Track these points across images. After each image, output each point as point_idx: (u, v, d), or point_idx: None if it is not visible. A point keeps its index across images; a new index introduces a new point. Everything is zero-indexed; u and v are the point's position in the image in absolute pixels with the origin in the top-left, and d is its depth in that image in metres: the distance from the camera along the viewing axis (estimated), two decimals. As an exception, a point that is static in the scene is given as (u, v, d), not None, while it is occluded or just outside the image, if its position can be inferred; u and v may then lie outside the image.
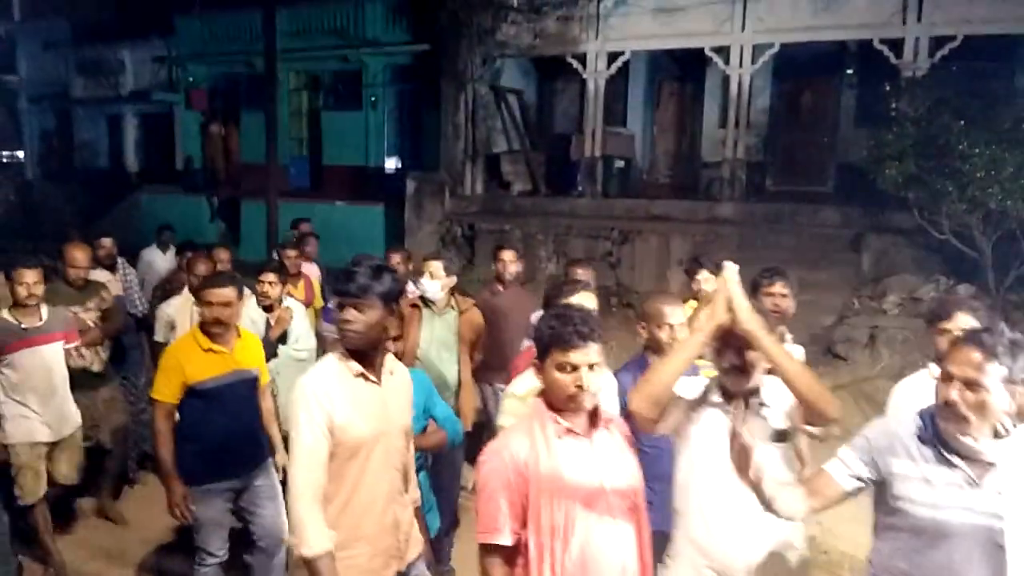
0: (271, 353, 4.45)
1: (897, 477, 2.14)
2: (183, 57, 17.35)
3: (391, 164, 15.80)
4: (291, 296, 5.35)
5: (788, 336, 3.69)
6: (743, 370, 2.37)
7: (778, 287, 3.69)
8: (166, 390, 3.50)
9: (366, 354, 2.53)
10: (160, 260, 7.72)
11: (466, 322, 4.64)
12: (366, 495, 2.54)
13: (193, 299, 4.64)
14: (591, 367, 2.12)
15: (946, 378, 2.07)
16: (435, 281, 4.53)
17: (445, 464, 4.07)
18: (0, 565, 3.93)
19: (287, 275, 5.49)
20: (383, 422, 2.55)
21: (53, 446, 4.31)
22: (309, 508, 2.40)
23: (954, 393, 2.03)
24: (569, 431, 2.16)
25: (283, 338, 4.79)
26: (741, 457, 2.13)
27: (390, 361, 2.67)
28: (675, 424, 2.48)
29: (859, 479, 2.20)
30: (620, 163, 13.31)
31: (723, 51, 11.36)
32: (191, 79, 17.37)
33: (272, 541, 3.70)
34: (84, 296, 4.86)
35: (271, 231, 11.10)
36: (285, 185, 14.33)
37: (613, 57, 12.04)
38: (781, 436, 2.45)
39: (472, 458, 4.38)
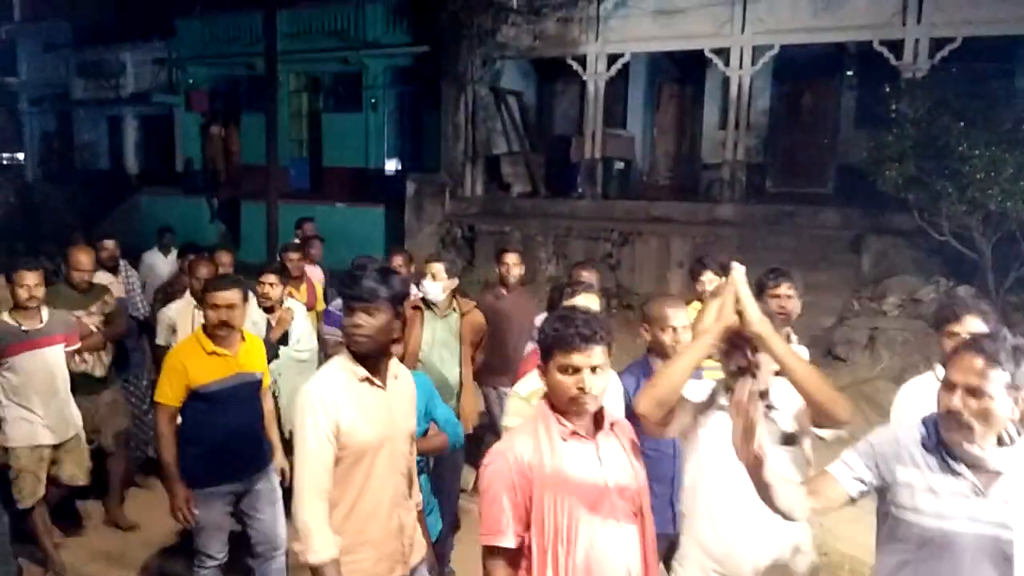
0: (272, 354, 4.44)
1: (902, 485, 2.09)
2: (183, 59, 17.35)
3: (391, 165, 15.80)
4: (292, 298, 5.34)
5: (794, 337, 3.66)
6: (751, 372, 2.34)
7: (784, 288, 3.68)
8: (169, 393, 3.49)
9: (372, 358, 2.52)
10: (162, 263, 7.71)
11: (468, 324, 4.63)
12: (371, 500, 2.53)
13: (194, 302, 4.65)
14: (594, 369, 2.09)
15: (948, 385, 2.01)
16: (437, 283, 4.51)
17: (446, 467, 4.05)
18: (0, 566, 3.93)
19: (289, 277, 5.49)
20: (388, 427, 2.55)
21: (56, 448, 4.30)
22: (315, 514, 2.40)
23: (957, 401, 1.98)
24: (574, 433, 2.14)
25: (284, 339, 4.79)
26: (744, 433, 1.99)
27: (394, 365, 2.66)
28: (682, 427, 2.47)
29: (862, 482, 2.15)
30: (620, 165, 13.33)
31: (723, 53, 11.36)
32: (191, 81, 17.39)
33: (270, 546, 3.69)
34: (88, 299, 4.84)
35: (271, 232, 11.08)
36: (285, 187, 14.33)
37: (613, 59, 12.05)
38: (790, 439, 2.43)
39: (473, 460, 4.43)
